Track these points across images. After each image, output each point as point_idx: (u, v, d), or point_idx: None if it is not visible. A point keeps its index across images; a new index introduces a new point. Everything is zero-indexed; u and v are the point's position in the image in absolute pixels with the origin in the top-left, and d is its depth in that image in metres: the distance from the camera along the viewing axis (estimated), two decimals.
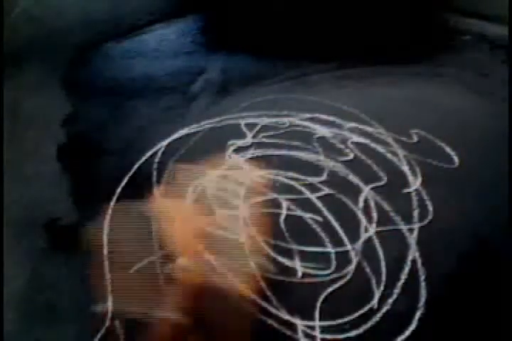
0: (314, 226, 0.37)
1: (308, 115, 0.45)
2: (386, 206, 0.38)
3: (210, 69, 0.49)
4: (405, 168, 0.41)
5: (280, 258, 0.36)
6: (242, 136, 0.44)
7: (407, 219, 0.38)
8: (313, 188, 0.39)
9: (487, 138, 0.42)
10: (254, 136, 0.44)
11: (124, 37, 0.49)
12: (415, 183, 0.40)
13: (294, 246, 0.36)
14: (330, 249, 0.36)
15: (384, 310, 0.33)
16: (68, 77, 0.47)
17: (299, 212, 0.38)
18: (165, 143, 0.44)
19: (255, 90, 0.49)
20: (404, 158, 0.42)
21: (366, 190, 0.39)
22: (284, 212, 0.38)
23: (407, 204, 0.38)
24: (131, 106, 0.47)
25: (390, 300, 0.33)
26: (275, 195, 0.39)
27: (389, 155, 0.42)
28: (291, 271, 0.35)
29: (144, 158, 0.42)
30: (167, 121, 0.46)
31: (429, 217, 0.38)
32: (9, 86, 0.44)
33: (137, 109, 0.47)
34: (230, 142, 0.43)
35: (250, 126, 0.45)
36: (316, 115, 0.44)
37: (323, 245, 0.36)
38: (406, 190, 0.39)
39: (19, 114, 0.44)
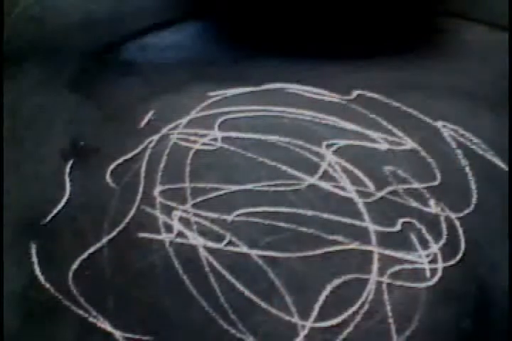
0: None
1: (308, 113, 0.45)
2: (386, 207, 0.39)
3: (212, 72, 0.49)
4: (405, 169, 0.41)
5: None
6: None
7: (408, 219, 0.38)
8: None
9: (487, 139, 0.42)
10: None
11: (126, 38, 0.49)
12: (416, 184, 0.40)
13: None
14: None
15: (385, 310, 0.33)
16: (68, 76, 0.47)
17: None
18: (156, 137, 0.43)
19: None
20: (403, 159, 0.42)
21: (371, 191, 0.39)
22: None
23: (407, 205, 0.39)
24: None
25: (391, 301, 0.34)
26: None
27: (389, 155, 0.42)
28: None
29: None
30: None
31: (430, 218, 0.38)
32: (9, 86, 0.44)
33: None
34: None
35: None
36: (317, 115, 0.45)
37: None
38: (406, 190, 0.40)
39: (19, 114, 0.44)
